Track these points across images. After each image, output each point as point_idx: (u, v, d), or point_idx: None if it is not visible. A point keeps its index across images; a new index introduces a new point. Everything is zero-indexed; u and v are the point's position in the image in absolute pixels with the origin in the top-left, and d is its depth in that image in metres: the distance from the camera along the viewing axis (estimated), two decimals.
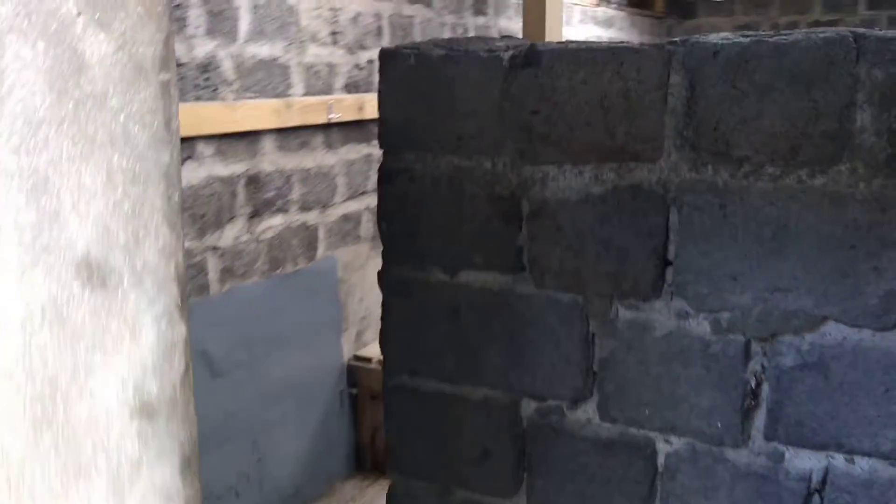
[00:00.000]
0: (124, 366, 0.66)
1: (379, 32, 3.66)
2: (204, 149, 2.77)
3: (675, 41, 1.30)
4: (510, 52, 1.40)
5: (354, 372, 3.63)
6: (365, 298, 3.64)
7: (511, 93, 1.40)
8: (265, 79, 3.02)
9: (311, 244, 3.34)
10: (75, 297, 0.61)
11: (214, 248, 2.86)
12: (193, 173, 2.71)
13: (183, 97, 2.61)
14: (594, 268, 1.40)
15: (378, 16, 3.64)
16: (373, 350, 3.68)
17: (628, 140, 1.34)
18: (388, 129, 1.52)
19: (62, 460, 0.64)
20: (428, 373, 1.57)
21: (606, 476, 1.47)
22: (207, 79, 2.77)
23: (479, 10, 4.44)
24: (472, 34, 4.35)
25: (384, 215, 1.54)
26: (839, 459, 1.30)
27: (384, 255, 1.57)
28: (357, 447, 3.73)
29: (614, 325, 1.41)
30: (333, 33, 3.37)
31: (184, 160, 2.57)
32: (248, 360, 3.05)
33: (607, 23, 6.28)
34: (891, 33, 1.19)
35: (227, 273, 2.91)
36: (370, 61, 3.61)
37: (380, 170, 1.54)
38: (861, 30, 1.21)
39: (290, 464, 3.32)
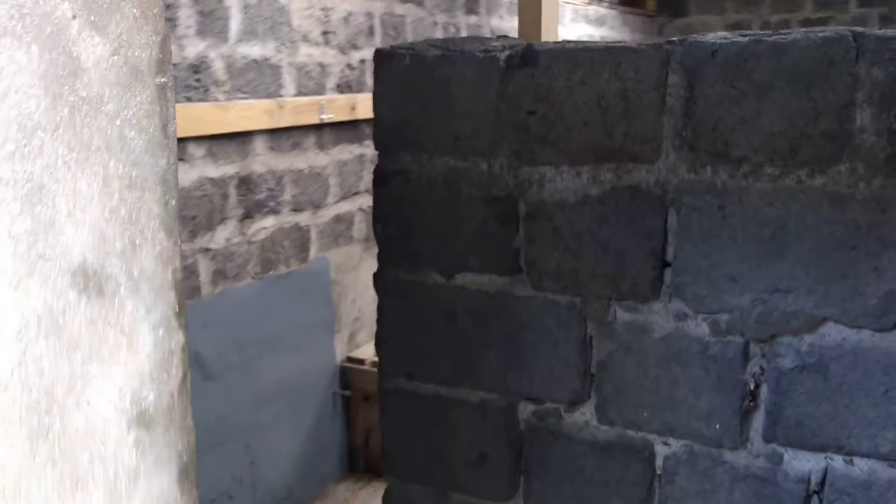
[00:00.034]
0: (121, 375, 0.65)
1: (370, 32, 3.64)
2: (195, 150, 2.75)
3: (673, 40, 1.29)
4: (507, 52, 1.39)
5: (347, 373, 3.62)
6: (358, 300, 3.62)
7: (508, 93, 1.39)
8: (256, 79, 3.01)
9: (303, 245, 3.33)
10: (71, 306, 0.60)
11: (206, 250, 2.84)
12: (184, 175, 2.69)
13: None
14: (592, 269, 1.39)
15: (369, 15, 3.62)
16: (366, 351, 3.67)
17: (626, 141, 1.33)
18: (383, 130, 1.51)
19: (58, 472, 0.62)
20: (424, 376, 1.56)
21: (604, 479, 1.46)
22: (198, 79, 2.75)
23: (471, 9, 4.43)
24: (464, 33, 4.34)
25: (380, 217, 1.53)
26: (838, 461, 1.30)
27: (380, 258, 1.55)
28: (350, 449, 3.71)
29: (612, 327, 1.40)
30: (325, 33, 3.35)
31: None
32: (241, 363, 3.03)
33: (599, 21, 6.28)
34: (890, 32, 1.18)
35: (218, 275, 2.90)
36: (362, 61, 3.59)
37: (375, 171, 1.53)
38: (860, 29, 1.20)
39: (283, 466, 3.31)
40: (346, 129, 3.51)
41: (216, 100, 2.83)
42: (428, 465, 1.59)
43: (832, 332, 1.27)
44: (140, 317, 0.65)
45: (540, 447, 1.50)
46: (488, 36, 4.34)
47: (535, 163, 1.39)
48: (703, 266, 1.32)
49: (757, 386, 1.33)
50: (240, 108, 2.91)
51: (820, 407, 1.29)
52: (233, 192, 2.94)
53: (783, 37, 1.23)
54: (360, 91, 3.58)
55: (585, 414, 1.45)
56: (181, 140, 2.67)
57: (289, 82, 3.16)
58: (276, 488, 3.27)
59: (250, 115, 2.95)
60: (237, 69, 2.91)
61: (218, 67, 2.82)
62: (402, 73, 1.47)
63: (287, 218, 3.22)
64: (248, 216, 3.02)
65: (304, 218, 3.31)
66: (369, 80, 3.64)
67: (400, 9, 3.83)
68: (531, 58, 1.36)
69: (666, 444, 1.40)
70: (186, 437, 0.72)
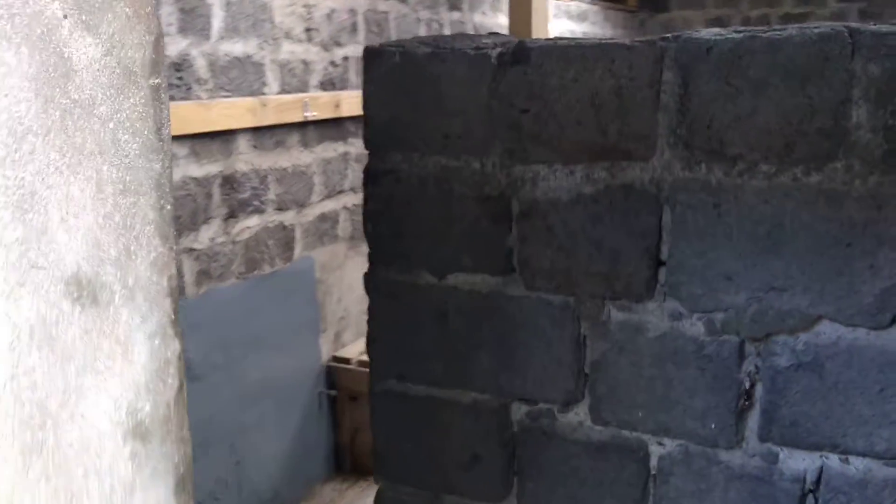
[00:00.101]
0: (116, 386, 0.62)
1: (354, 29, 3.62)
2: (178, 149, 2.71)
3: (667, 37, 1.27)
4: (498, 50, 1.37)
5: (333, 373, 3.59)
6: (343, 299, 3.59)
7: (499, 91, 1.37)
8: (239, 77, 2.97)
9: (287, 245, 3.30)
10: (65, 316, 0.58)
11: (190, 251, 2.81)
12: None
13: None
14: (586, 269, 1.38)
15: (353, 12, 3.59)
16: (351, 351, 3.65)
17: (620, 138, 1.31)
18: (373, 128, 1.49)
19: (53, 487, 0.60)
20: (416, 377, 1.54)
21: (598, 479, 1.45)
22: (180, 78, 2.71)
23: (454, 5, 4.41)
24: (447, 29, 4.32)
25: (370, 217, 1.51)
26: (833, 460, 1.29)
27: (370, 258, 1.53)
28: (336, 449, 3.69)
29: (606, 327, 1.39)
30: (308, 30, 3.32)
31: None
32: (226, 363, 3.00)
33: (581, 17, 6.27)
34: (886, 27, 1.17)
35: (203, 275, 2.86)
36: (345, 58, 3.56)
37: (365, 170, 1.51)
38: (856, 24, 1.19)
39: (269, 467, 3.28)
40: (329, 127, 3.48)
41: (199, 98, 2.80)
42: (420, 466, 1.58)
43: (827, 331, 1.26)
44: (135, 326, 0.63)
45: (533, 448, 1.48)
46: (472, 32, 4.33)
47: (528, 161, 1.38)
48: (698, 265, 1.31)
49: (752, 385, 1.32)
50: (223, 106, 2.87)
51: (815, 406, 1.29)
52: (216, 192, 2.90)
53: (778, 33, 1.22)
54: (343, 88, 3.55)
55: (579, 414, 1.44)
56: None
57: (272, 80, 3.13)
58: (262, 489, 3.25)
59: (233, 113, 2.92)
60: (220, 67, 2.88)
61: (200, 65, 2.79)
62: (391, 71, 1.45)
63: (271, 217, 3.19)
64: (232, 216, 2.99)
65: (288, 217, 3.29)
66: (353, 77, 3.62)
67: (383, 5, 3.80)
68: (523, 55, 1.35)
69: (661, 444, 1.39)
70: (183, 449, 0.70)
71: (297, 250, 3.35)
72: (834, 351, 1.26)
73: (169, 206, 0.66)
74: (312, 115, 3.29)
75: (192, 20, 2.75)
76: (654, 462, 1.41)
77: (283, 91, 3.20)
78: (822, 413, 1.29)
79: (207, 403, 2.88)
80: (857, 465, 1.28)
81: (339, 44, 3.51)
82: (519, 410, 1.48)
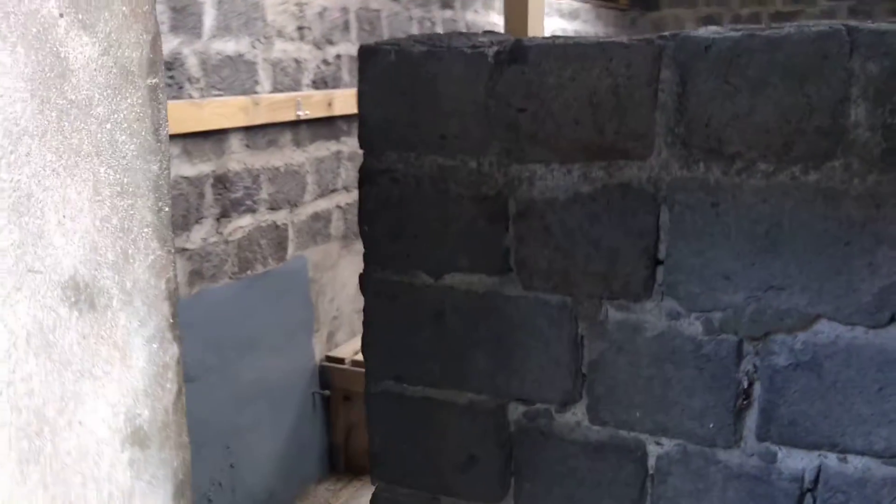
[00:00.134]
0: (114, 392, 0.61)
1: (346, 27, 3.60)
2: (170, 149, 2.69)
3: (665, 35, 1.27)
4: (495, 48, 1.36)
5: (327, 373, 3.58)
6: (336, 298, 3.58)
7: (497, 90, 1.36)
8: (231, 76, 2.96)
9: (280, 244, 3.28)
10: (62, 322, 0.57)
11: (182, 251, 2.79)
12: None
13: None
14: (583, 268, 1.37)
15: (345, 10, 3.58)
16: (345, 350, 3.63)
17: (618, 137, 1.31)
18: (368, 128, 1.47)
19: (50, 496, 0.59)
20: (412, 378, 1.53)
21: (596, 479, 1.44)
22: (172, 76, 2.69)
23: (446, 3, 4.40)
24: (439, 27, 4.31)
25: (366, 217, 1.50)
26: (832, 459, 1.29)
27: (366, 258, 1.52)
28: (330, 449, 3.67)
29: (604, 327, 1.38)
30: (300, 28, 3.31)
31: None
32: (220, 364, 2.99)
33: (572, 15, 6.26)
34: (884, 26, 1.17)
35: (195, 276, 2.85)
36: (338, 56, 3.55)
37: (361, 170, 1.50)
38: (854, 23, 1.18)
39: (263, 468, 3.27)
40: (322, 126, 3.46)
41: (190, 97, 2.78)
42: (416, 468, 1.57)
43: (826, 330, 1.26)
44: (133, 330, 0.62)
45: (530, 448, 1.48)
46: (464, 30, 4.32)
47: (525, 161, 1.37)
48: (696, 264, 1.30)
49: (750, 384, 1.32)
50: (215, 105, 2.86)
51: (814, 405, 1.28)
52: (209, 191, 2.89)
53: (776, 31, 1.21)
54: (335, 87, 3.54)
55: (577, 414, 1.43)
56: None
57: (264, 79, 3.12)
58: (257, 491, 3.23)
59: (225, 112, 2.90)
60: (211, 66, 2.86)
61: (192, 64, 2.77)
62: (387, 69, 1.44)
63: (264, 216, 3.18)
64: (224, 215, 2.97)
65: (281, 216, 3.27)
66: (345, 75, 3.60)
67: (375, 3, 3.79)
68: (520, 54, 1.34)
69: (658, 443, 1.39)
70: (182, 455, 0.69)
71: (290, 250, 3.33)
72: (832, 350, 1.26)
73: (167, 209, 0.65)
74: (305, 114, 3.27)
75: (184, 18, 2.73)
76: (651, 462, 1.40)
77: (275, 90, 3.18)
78: (821, 412, 1.28)
79: (201, 405, 2.86)
80: (856, 464, 1.28)
81: (331, 42, 3.50)
82: (516, 411, 1.47)
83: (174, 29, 2.69)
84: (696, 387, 1.34)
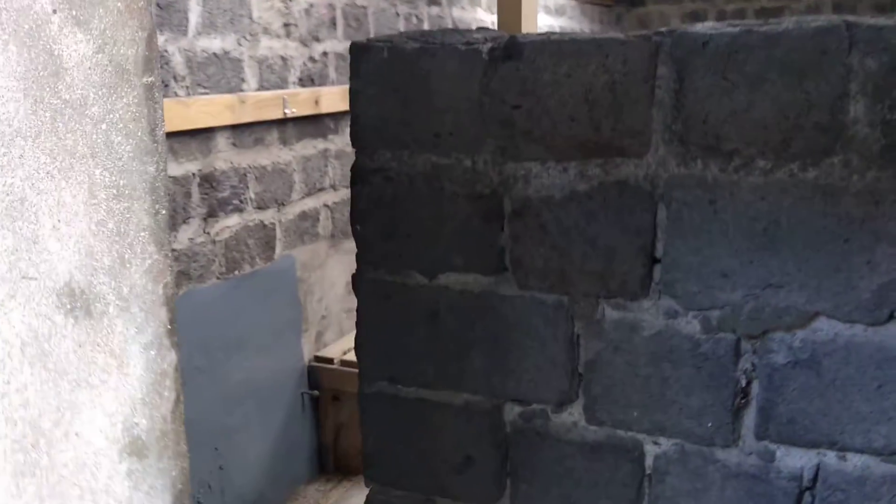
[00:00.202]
0: (112, 401, 0.59)
1: (332, 24, 3.58)
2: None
3: (662, 31, 1.25)
4: (489, 45, 1.34)
5: (315, 373, 3.55)
6: (324, 298, 3.55)
7: (491, 87, 1.35)
8: (217, 73, 2.93)
9: (268, 244, 3.25)
10: (58, 330, 0.55)
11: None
12: None
13: None
14: (580, 267, 1.35)
15: (331, 6, 3.55)
16: (333, 350, 3.61)
17: (614, 135, 1.29)
18: (361, 126, 1.45)
19: None
20: (407, 379, 1.51)
21: (593, 480, 1.43)
22: None
23: None
24: (426, 24, 4.29)
25: (358, 217, 1.48)
26: (831, 457, 1.28)
27: (359, 258, 1.50)
28: (319, 449, 3.65)
29: (601, 326, 1.37)
30: (286, 25, 3.28)
31: None
32: (208, 365, 2.96)
33: (558, 11, 6.25)
34: (883, 21, 1.16)
35: (182, 276, 2.82)
36: (324, 53, 3.52)
37: (353, 169, 1.48)
38: (853, 18, 1.17)
39: (253, 469, 3.24)
40: (309, 124, 3.44)
41: (176, 95, 2.75)
42: (411, 469, 1.55)
43: (825, 327, 1.25)
44: (130, 337, 0.60)
45: (527, 449, 1.46)
46: (451, 26, 4.30)
47: (521, 158, 1.35)
48: (694, 262, 1.29)
49: (748, 383, 1.31)
50: (201, 103, 2.83)
51: (813, 403, 1.28)
52: (195, 191, 2.86)
53: (774, 27, 1.20)
54: (322, 84, 3.51)
55: (573, 414, 1.42)
56: None
57: (250, 76, 3.09)
58: (246, 492, 3.21)
59: (212, 110, 2.87)
60: (197, 63, 2.83)
61: (177, 62, 2.74)
62: (379, 66, 1.42)
63: (251, 216, 3.15)
64: (211, 215, 2.94)
65: (268, 216, 3.24)
66: (332, 73, 3.57)
67: (362, 0, 3.76)
68: (515, 50, 1.32)
69: (656, 443, 1.38)
70: (180, 464, 0.67)
71: (278, 249, 3.31)
72: (831, 348, 1.25)
73: (164, 211, 0.62)
74: (292, 111, 3.24)
75: (169, 15, 2.70)
76: (649, 462, 1.39)
77: (261, 88, 3.15)
78: (820, 410, 1.27)
79: (189, 406, 2.82)
80: (855, 461, 1.27)
81: (317, 39, 3.47)
82: (512, 411, 1.46)
83: (159, 26, 2.65)
84: (693, 386, 1.33)
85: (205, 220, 2.91)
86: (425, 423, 1.52)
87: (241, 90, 3.05)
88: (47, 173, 0.54)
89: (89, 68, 0.56)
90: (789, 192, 1.22)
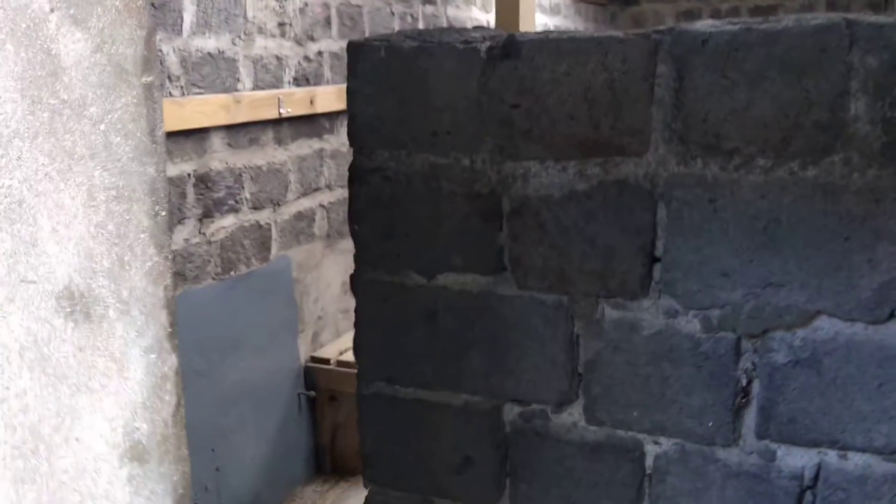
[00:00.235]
0: (112, 406, 0.58)
1: (327, 23, 3.56)
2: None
3: (662, 29, 1.25)
4: (487, 43, 1.34)
5: (312, 373, 3.54)
6: (320, 298, 3.54)
7: (489, 86, 1.34)
8: (212, 73, 2.91)
9: (264, 244, 3.24)
10: (57, 334, 0.54)
11: None
12: None
13: None
14: (579, 267, 1.35)
15: (326, 6, 3.54)
16: (330, 351, 3.60)
17: (614, 133, 1.29)
18: (358, 126, 1.44)
19: None
20: (405, 380, 1.51)
21: (593, 480, 1.43)
22: None
23: None
24: (420, 23, 4.28)
25: (356, 217, 1.47)
26: (832, 456, 1.28)
27: (356, 259, 1.50)
28: (316, 450, 3.64)
29: (600, 326, 1.36)
30: (281, 24, 3.27)
31: None
32: (204, 367, 2.94)
33: (553, 10, 6.25)
34: (883, 19, 1.15)
35: (178, 277, 2.81)
36: (319, 53, 3.51)
37: (350, 168, 1.47)
38: (853, 16, 1.17)
39: (249, 471, 3.23)
40: (304, 124, 3.42)
41: (171, 95, 2.73)
42: (410, 470, 1.55)
43: (825, 326, 1.25)
44: (131, 341, 0.59)
45: (526, 449, 1.46)
46: (445, 25, 4.29)
47: (519, 157, 1.35)
48: (694, 261, 1.29)
49: (749, 382, 1.30)
50: (196, 103, 2.81)
51: (813, 402, 1.27)
52: (191, 191, 2.84)
53: (774, 25, 1.19)
54: (317, 84, 3.50)
55: (573, 415, 1.41)
56: None
57: (245, 76, 3.08)
58: (243, 493, 3.19)
59: (206, 110, 2.86)
60: (192, 63, 2.82)
61: (172, 62, 2.73)
62: (377, 66, 1.41)
63: (247, 216, 3.14)
64: (206, 215, 2.93)
65: (264, 216, 3.23)
66: (327, 72, 3.56)
67: None
68: (514, 49, 1.32)
69: (657, 443, 1.37)
70: (181, 468, 0.66)
71: (274, 250, 3.30)
72: (832, 346, 1.25)
73: (164, 213, 0.62)
74: (287, 111, 3.23)
75: (163, 15, 2.68)
76: (649, 461, 1.38)
77: (256, 87, 3.14)
78: (821, 409, 1.27)
79: (187, 409, 2.82)
80: (856, 460, 1.27)
81: (312, 38, 3.46)
82: (511, 412, 1.45)
83: (154, 26, 2.64)
84: (694, 385, 1.33)
85: (200, 220, 2.90)
86: (424, 423, 1.51)
87: (236, 90, 3.03)
88: (46, 175, 0.53)
89: (87, 68, 0.55)
90: (789, 190, 1.22)
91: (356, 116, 1.44)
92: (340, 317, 3.64)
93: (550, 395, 1.42)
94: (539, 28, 5.69)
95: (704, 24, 1.23)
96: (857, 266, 1.21)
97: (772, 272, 1.25)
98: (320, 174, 3.55)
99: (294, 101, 3.30)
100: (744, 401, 1.31)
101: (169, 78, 2.72)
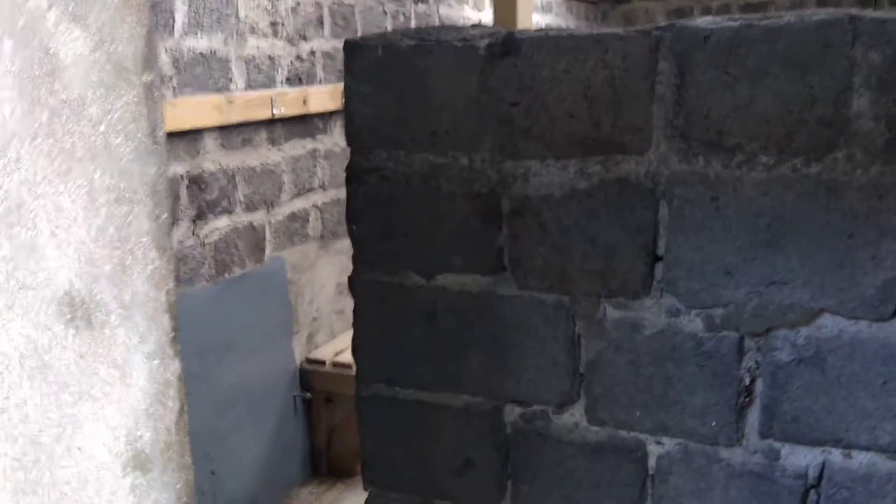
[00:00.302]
0: (114, 414, 0.57)
1: (320, 22, 3.55)
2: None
3: (662, 26, 1.24)
4: (486, 41, 1.32)
5: (307, 375, 3.53)
6: (315, 299, 3.52)
7: (489, 84, 1.32)
8: (204, 73, 2.89)
9: (258, 245, 3.22)
10: (58, 341, 0.52)
11: None
12: None
13: None
14: (580, 266, 1.34)
15: (318, 5, 3.52)
16: (325, 352, 3.58)
17: (615, 131, 1.27)
18: (356, 125, 1.43)
19: None
20: (404, 381, 1.49)
21: (595, 480, 1.42)
22: None
23: None
24: (413, 22, 4.27)
25: (354, 217, 1.46)
26: (836, 454, 1.27)
27: (355, 259, 1.48)
28: (312, 452, 3.62)
29: (602, 326, 1.35)
30: (273, 24, 3.25)
31: None
32: (199, 369, 2.93)
33: (545, 8, 6.24)
34: (886, 14, 1.15)
35: None
36: (312, 52, 3.49)
37: (348, 168, 1.46)
38: (855, 11, 1.16)
39: (245, 474, 3.21)
40: (297, 124, 3.41)
41: (163, 96, 2.71)
42: (410, 473, 1.53)
43: (829, 324, 1.24)
44: (133, 347, 0.58)
45: (528, 450, 1.44)
46: (438, 24, 4.28)
47: (519, 156, 1.33)
48: (696, 259, 1.28)
49: (752, 381, 1.29)
50: (188, 104, 2.79)
51: (817, 400, 1.26)
52: (184, 193, 2.82)
53: (776, 20, 1.18)
54: (310, 83, 3.48)
55: (575, 415, 1.40)
56: None
57: (238, 76, 3.06)
58: (239, 496, 3.18)
59: (199, 111, 2.84)
60: (184, 63, 2.80)
61: (164, 62, 2.71)
62: (374, 64, 1.39)
63: (241, 217, 3.12)
64: (200, 217, 2.91)
65: (258, 217, 3.21)
66: (320, 71, 3.55)
67: None
68: (513, 46, 1.30)
69: (659, 443, 1.36)
70: (185, 476, 0.64)
71: (268, 251, 3.28)
72: (836, 344, 1.24)
73: (165, 215, 0.60)
74: (280, 111, 3.21)
75: (155, 15, 2.66)
76: (652, 462, 1.37)
77: (249, 87, 3.12)
78: (825, 408, 1.26)
79: None
80: (861, 459, 1.26)
81: (305, 38, 3.44)
82: (512, 412, 1.44)
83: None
84: (697, 384, 1.31)
85: (194, 222, 2.88)
86: (424, 425, 1.50)
87: (229, 90, 3.01)
88: (45, 177, 0.51)
89: (87, 66, 0.53)
90: (792, 187, 1.21)
91: (354, 116, 1.43)
92: (335, 318, 3.63)
93: (552, 395, 1.40)
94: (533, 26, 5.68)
95: (705, 21, 1.22)
96: (860, 263, 1.20)
97: (775, 270, 1.24)
98: (314, 174, 3.53)
99: (287, 101, 3.28)
100: (747, 400, 1.30)
101: (161, 78, 2.70)
